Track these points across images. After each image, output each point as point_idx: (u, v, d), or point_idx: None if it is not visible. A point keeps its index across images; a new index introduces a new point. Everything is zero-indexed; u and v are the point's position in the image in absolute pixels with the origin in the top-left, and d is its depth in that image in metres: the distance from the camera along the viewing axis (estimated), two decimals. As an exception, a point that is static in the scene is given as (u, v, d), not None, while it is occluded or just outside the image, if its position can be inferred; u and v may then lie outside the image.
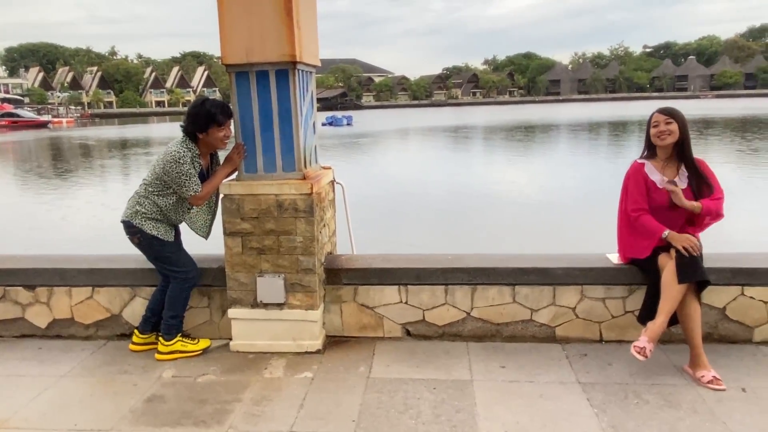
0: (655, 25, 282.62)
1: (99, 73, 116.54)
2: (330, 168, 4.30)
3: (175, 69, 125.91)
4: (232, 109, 3.74)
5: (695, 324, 3.45)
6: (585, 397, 3.26)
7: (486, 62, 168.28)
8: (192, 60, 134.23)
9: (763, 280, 3.79)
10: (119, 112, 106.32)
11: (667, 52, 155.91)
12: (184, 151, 3.67)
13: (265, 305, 3.87)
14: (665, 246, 3.56)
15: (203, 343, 3.94)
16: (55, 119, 76.20)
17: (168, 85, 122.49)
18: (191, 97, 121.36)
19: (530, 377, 3.50)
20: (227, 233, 3.82)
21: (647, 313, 3.62)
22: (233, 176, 3.86)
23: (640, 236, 3.67)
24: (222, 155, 3.92)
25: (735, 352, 3.74)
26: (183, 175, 3.64)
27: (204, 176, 3.83)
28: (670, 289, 3.41)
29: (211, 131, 3.68)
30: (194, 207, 3.88)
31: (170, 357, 3.83)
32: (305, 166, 3.83)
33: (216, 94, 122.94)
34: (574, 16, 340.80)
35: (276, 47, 3.59)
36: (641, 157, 3.76)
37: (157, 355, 3.84)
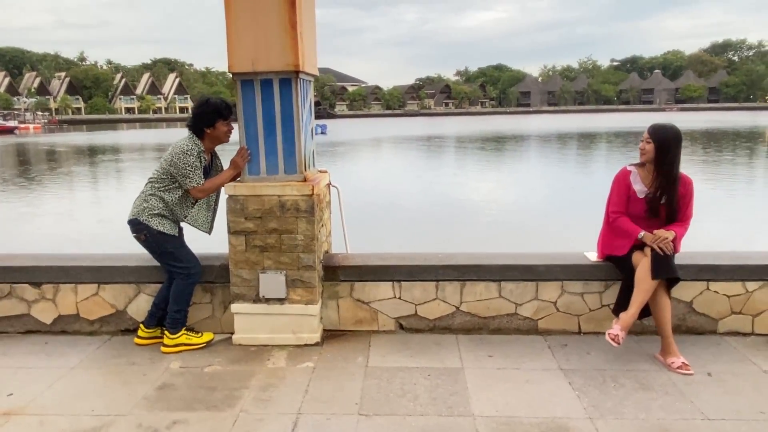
0: (622, 39, 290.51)
1: (67, 79, 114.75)
2: (326, 172, 4.55)
3: (146, 75, 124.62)
4: (237, 115, 3.97)
5: (666, 315, 3.77)
6: (567, 381, 3.56)
7: (458, 73, 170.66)
8: (163, 66, 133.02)
9: (726, 276, 4.15)
10: (88, 119, 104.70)
11: (633, 65, 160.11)
12: (192, 145, 3.95)
13: (267, 300, 4.08)
14: (640, 245, 3.88)
15: (207, 336, 4.14)
16: (22, 125, 74.73)
17: (138, 91, 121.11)
18: (162, 104, 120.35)
19: (516, 365, 3.78)
20: (231, 232, 4.03)
21: (621, 306, 3.94)
22: (237, 178, 4.08)
23: (618, 236, 3.99)
24: (225, 160, 4.14)
25: (701, 342, 4.08)
26: (189, 166, 3.90)
27: (207, 172, 4.06)
28: (643, 283, 3.73)
29: (218, 125, 3.96)
30: (195, 206, 4.09)
31: (176, 350, 4.02)
32: (305, 169, 4.07)
33: (188, 102, 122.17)
34: (544, 29, 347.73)
35: (280, 57, 3.83)
36: (632, 164, 4.03)
37: (162, 348, 4.02)
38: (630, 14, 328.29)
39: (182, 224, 4.15)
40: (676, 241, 3.87)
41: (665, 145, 3.81)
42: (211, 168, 4.14)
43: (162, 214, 3.98)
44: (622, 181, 3.98)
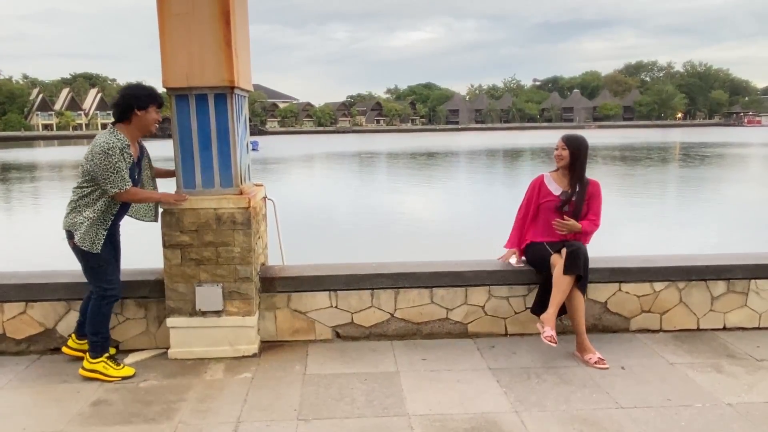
0: (543, 60, 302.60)
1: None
2: (262, 185, 4.63)
3: (65, 91, 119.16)
4: (172, 129, 4.00)
5: (579, 314, 4.08)
6: (495, 379, 3.78)
7: (389, 91, 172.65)
8: (84, 82, 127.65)
9: (636, 278, 4.52)
10: (1, 136, 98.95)
11: (554, 85, 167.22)
12: (113, 141, 3.63)
13: (204, 313, 4.10)
14: (558, 249, 4.18)
15: (126, 371, 3.86)
16: (-74, 142, 69.86)
17: (57, 107, 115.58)
18: (83, 121, 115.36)
19: (448, 366, 3.98)
20: (167, 245, 4.04)
21: (538, 305, 4.25)
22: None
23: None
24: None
25: (616, 339, 4.42)
26: (110, 168, 3.60)
27: (135, 168, 3.85)
28: (560, 283, 4.02)
29: (151, 108, 3.77)
30: None
31: (91, 375, 3.79)
32: (241, 182, 4.15)
33: (110, 118, 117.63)
34: (470, 50, 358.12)
35: (215, 73, 3.91)
36: (549, 172, 4.46)
37: (80, 370, 3.82)
38: (549, 37, 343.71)
39: (120, 239, 4.03)
40: (585, 236, 4.27)
41: (578, 151, 4.27)
42: (141, 160, 3.95)
43: (91, 225, 3.72)
44: (534, 185, 4.43)
